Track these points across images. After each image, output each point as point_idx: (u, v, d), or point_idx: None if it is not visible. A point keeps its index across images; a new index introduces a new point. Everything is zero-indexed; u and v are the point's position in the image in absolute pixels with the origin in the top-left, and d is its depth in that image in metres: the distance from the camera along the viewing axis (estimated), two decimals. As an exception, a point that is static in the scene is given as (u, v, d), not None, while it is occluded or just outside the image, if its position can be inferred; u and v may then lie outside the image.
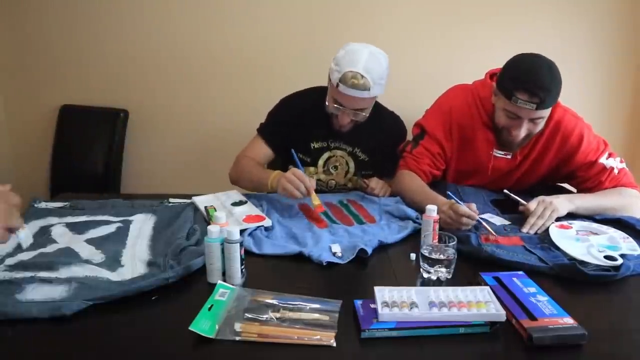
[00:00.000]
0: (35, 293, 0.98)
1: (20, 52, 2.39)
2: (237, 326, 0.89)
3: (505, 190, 1.53)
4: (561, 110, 1.56)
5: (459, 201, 1.31)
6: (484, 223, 1.31)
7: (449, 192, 1.38)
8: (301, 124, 1.71)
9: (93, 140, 2.40)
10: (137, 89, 2.42)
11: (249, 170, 1.64)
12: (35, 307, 0.92)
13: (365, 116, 1.62)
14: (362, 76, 1.50)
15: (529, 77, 1.37)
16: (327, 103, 1.63)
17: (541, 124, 1.47)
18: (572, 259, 1.17)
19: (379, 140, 1.73)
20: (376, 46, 1.61)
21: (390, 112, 1.81)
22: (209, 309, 0.94)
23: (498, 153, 1.60)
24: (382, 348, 0.88)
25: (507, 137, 1.51)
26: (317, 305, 0.97)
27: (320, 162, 1.73)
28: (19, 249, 1.18)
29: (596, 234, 1.31)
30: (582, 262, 1.14)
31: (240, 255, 1.05)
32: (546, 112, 1.43)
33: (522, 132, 1.45)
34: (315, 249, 1.20)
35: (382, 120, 1.75)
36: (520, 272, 1.10)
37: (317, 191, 1.45)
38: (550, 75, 1.38)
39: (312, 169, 1.74)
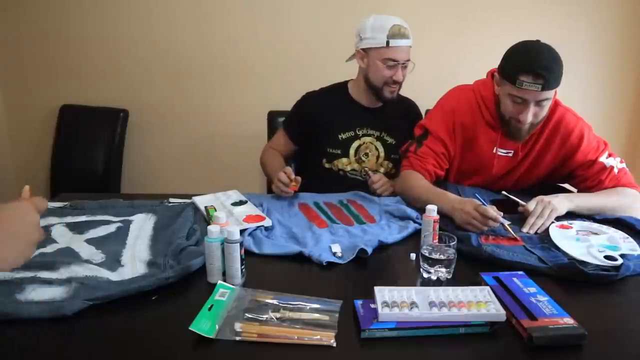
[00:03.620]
0: (36, 293, 0.98)
1: (20, 52, 2.39)
2: (237, 326, 0.89)
3: (504, 192, 1.53)
4: (562, 109, 1.57)
5: (484, 203, 1.32)
6: (505, 225, 1.31)
7: (477, 195, 1.44)
8: (325, 118, 1.76)
9: (93, 140, 2.40)
10: (137, 89, 2.42)
11: (268, 163, 1.79)
12: (35, 307, 0.92)
13: (411, 69, 1.72)
14: (405, 27, 1.63)
15: (531, 59, 1.38)
16: (375, 76, 1.69)
17: (546, 108, 1.46)
18: (572, 259, 1.17)
19: (402, 123, 1.80)
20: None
21: (404, 96, 1.87)
22: (209, 309, 0.94)
23: (501, 152, 1.59)
24: (382, 348, 0.88)
25: (516, 125, 1.49)
26: (317, 305, 0.97)
27: (351, 151, 1.78)
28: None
29: (596, 234, 1.31)
30: (582, 262, 1.14)
31: (240, 255, 1.05)
32: (551, 94, 1.42)
33: (529, 117, 1.44)
34: (315, 249, 1.20)
35: (401, 102, 1.83)
36: (520, 272, 1.10)
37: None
38: (552, 56, 1.39)
39: (344, 160, 1.77)
